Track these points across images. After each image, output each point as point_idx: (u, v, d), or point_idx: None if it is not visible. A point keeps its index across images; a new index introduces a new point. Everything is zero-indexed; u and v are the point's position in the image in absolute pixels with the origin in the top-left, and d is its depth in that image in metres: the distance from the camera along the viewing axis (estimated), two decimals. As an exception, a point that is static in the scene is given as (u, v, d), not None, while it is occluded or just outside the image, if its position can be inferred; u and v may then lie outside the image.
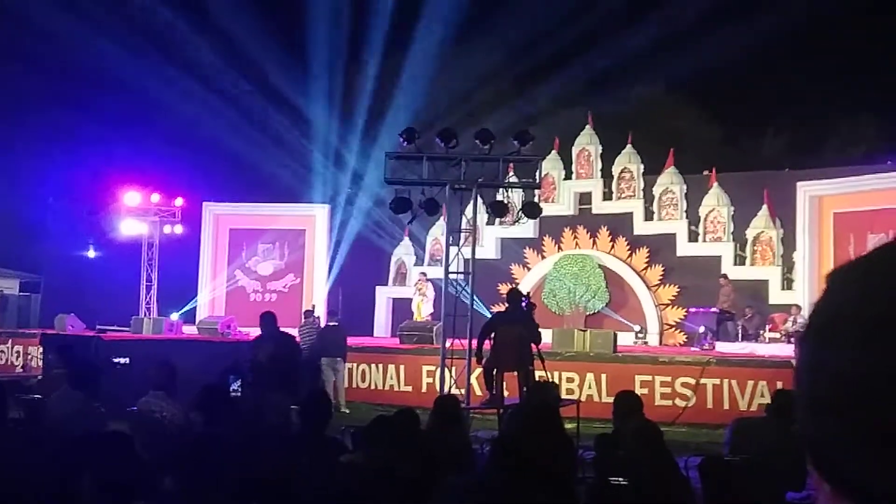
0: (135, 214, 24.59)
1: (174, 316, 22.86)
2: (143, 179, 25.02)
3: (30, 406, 8.89)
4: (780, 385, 12.00)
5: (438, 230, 22.57)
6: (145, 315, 23.41)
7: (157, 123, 26.52)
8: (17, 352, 21.19)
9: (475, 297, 13.61)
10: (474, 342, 12.39)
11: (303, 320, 18.23)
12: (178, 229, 25.13)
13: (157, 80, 26.15)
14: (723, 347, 17.15)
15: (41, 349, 17.79)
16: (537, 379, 11.53)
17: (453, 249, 13.84)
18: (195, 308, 24.08)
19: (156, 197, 24.73)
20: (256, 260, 24.42)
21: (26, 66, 25.90)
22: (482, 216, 17.04)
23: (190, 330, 22.06)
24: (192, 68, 25.74)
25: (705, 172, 21.54)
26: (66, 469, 4.45)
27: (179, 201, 25.08)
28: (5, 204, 27.80)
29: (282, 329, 11.63)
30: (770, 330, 18.30)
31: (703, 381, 14.45)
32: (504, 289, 19.37)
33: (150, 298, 24.78)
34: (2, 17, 25.42)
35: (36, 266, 29.41)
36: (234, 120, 25.89)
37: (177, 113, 26.07)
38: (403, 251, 24.33)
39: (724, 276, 19.46)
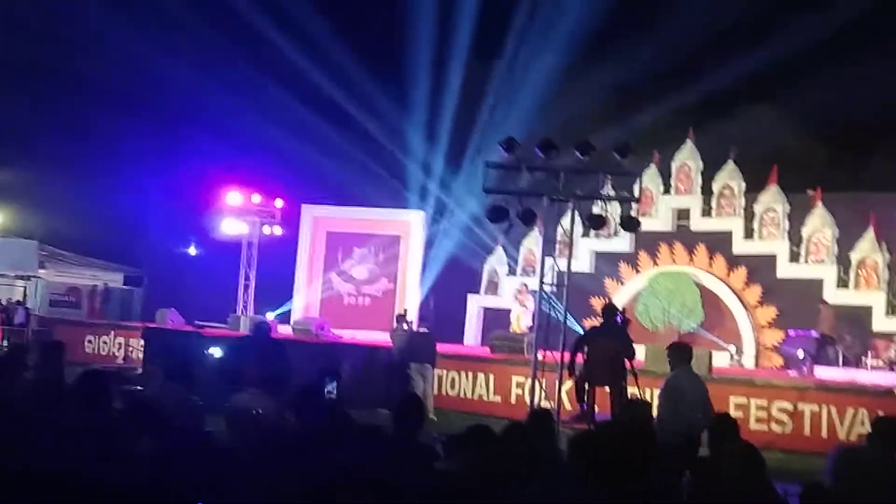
0: (236, 214, 25.17)
1: (270, 315, 23.29)
2: (244, 180, 25.58)
3: (130, 397, 9.17)
4: (881, 414, 11.54)
5: (532, 241, 22.49)
6: (242, 313, 23.92)
7: (258, 127, 27.07)
8: (119, 343, 21.88)
9: (567, 312, 13.49)
10: (566, 355, 12.29)
11: (394, 325, 18.37)
12: (277, 230, 25.62)
13: (259, 87, 26.72)
14: (822, 373, 16.64)
15: (142, 342, 18.32)
16: (630, 396, 11.37)
17: (548, 261, 13.75)
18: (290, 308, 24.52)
19: (256, 198, 25.26)
20: (352, 263, 24.72)
21: (132, 69, 26.75)
22: (577, 228, 16.92)
23: (285, 330, 22.44)
24: (292, 76, 26.19)
25: (809, 192, 20.93)
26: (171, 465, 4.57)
27: (279, 202, 25.56)
28: (112, 201, 28.74)
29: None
30: (872, 357, 17.70)
31: (800, 406, 14.04)
32: (597, 303, 19.25)
33: (247, 297, 25.32)
34: (108, 21, 26.27)
35: (139, 261, 30.33)
36: (332, 124, 26.25)
37: (277, 117, 26.56)
38: (496, 260, 24.30)
39: (824, 303, 18.87)
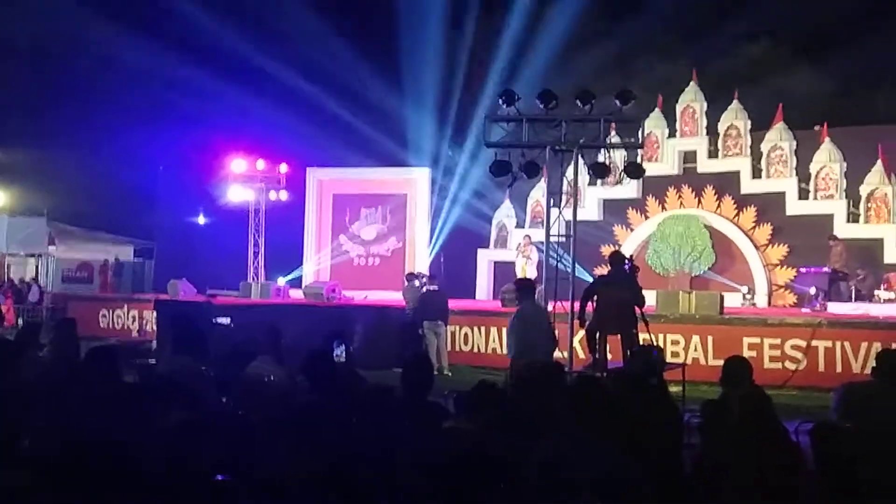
0: (241, 181, 25.13)
1: (281, 281, 23.36)
2: (248, 147, 25.52)
3: (144, 370, 9.23)
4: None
5: (539, 192, 22.43)
6: (253, 280, 23.98)
7: (260, 92, 26.97)
8: (133, 316, 21.96)
9: (576, 261, 13.45)
10: (576, 305, 12.29)
11: (405, 283, 18.39)
12: (283, 195, 25.59)
13: (259, 50, 26.55)
14: (835, 308, 16.63)
15: (155, 313, 18.39)
16: (641, 342, 11.39)
17: (554, 211, 13.69)
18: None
19: (261, 164, 25.21)
20: (360, 224, 24.73)
21: (134, 41, 26.62)
22: (583, 177, 16.83)
23: (296, 294, 22.51)
24: (293, 37, 26.03)
25: (816, 128, 20.76)
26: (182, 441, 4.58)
27: (284, 167, 25.51)
28: (120, 174, 28.75)
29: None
30: (885, 290, 17.65)
31: (814, 343, 14.05)
32: (606, 250, 19.22)
33: (257, 263, 25.38)
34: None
35: (149, 233, 30.39)
36: (334, 86, 26.12)
37: (278, 81, 26.45)
38: (504, 214, 24.25)
39: (833, 237, 18.80)
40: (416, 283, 18.01)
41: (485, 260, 24.18)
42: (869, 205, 19.54)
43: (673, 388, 8.00)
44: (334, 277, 23.36)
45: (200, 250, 26.23)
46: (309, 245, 25.01)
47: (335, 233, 24.89)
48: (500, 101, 12.76)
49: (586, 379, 5.60)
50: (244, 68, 27.30)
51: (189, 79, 27.35)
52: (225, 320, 13.68)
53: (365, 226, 24.73)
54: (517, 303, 10.62)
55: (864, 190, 19.58)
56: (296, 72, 26.25)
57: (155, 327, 17.97)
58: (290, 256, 24.75)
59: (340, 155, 25.47)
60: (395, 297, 19.82)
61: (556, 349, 10.48)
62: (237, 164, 24.95)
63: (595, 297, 11.64)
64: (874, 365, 6.36)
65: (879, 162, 19.39)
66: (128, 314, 22.20)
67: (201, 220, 29.14)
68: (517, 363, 9.01)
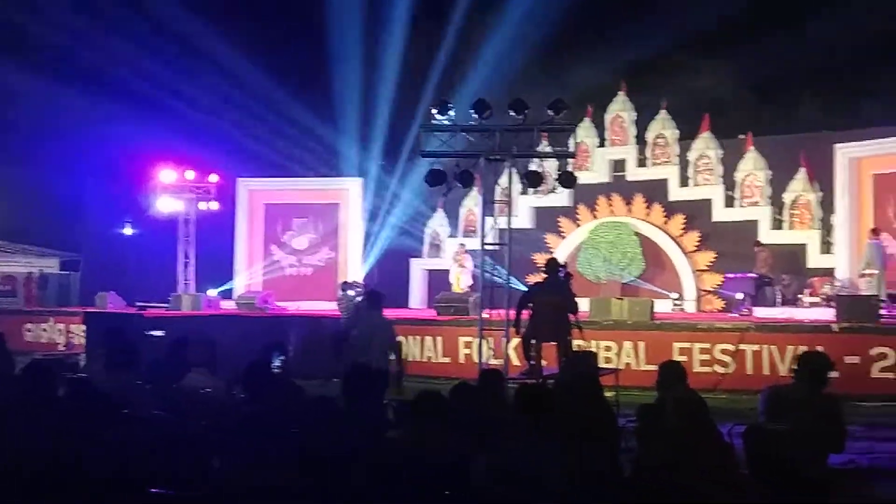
0: (170, 192, 24.75)
1: (212, 292, 23.07)
2: (177, 157, 25.14)
3: (74, 385, 9.03)
4: (821, 349, 11.78)
5: (472, 201, 22.56)
6: (184, 291, 23.64)
7: (189, 101, 26.60)
8: (60, 330, 21.48)
9: (510, 270, 13.56)
10: (511, 313, 12.40)
11: (340, 293, 18.31)
12: (214, 205, 25.25)
13: (188, 59, 26.22)
14: (761, 313, 17.02)
15: (84, 327, 18.02)
16: (575, 349, 11.53)
17: (489, 220, 13.81)
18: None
19: (191, 174, 24.85)
20: (291, 234, 24.58)
21: (60, 48, 26.08)
22: (516, 186, 16.99)
23: (228, 305, 22.26)
24: (222, 46, 25.73)
25: (741, 136, 21.29)
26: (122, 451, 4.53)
27: (214, 178, 25.19)
28: (44, 184, 28.08)
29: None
30: (809, 294, 18.13)
31: (742, 347, 14.35)
32: (539, 258, 19.42)
33: (188, 275, 25.00)
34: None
35: (75, 245, 29.74)
36: (264, 96, 25.88)
37: (209, 90, 26.13)
38: (437, 223, 24.33)
39: (758, 243, 19.27)
40: (351, 292, 17.94)
41: (418, 269, 24.22)
42: (793, 211, 20.07)
43: (607, 394, 8.10)
44: (267, 287, 23.18)
45: (128, 262, 25.78)
46: (240, 256, 24.78)
47: (267, 243, 24.71)
48: (434, 111, 12.83)
49: (528, 386, 5.66)
50: (172, 77, 26.91)
51: (116, 87, 26.86)
52: (158, 333, 13.45)
53: (297, 236, 24.59)
54: (366, 312, 10.85)
55: (787, 197, 20.11)
56: (225, 82, 25.98)
57: (84, 341, 17.60)
58: (221, 267, 24.45)
59: (272, 165, 25.28)
60: (328, 306, 19.73)
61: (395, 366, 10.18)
62: (166, 174, 24.57)
63: (530, 305, 11.76)
64: (795, 367, 6.51)
65: (802, 170, 19.93)
66: (54, 328, 21.70)
67: (129, 231, 28.60)
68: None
